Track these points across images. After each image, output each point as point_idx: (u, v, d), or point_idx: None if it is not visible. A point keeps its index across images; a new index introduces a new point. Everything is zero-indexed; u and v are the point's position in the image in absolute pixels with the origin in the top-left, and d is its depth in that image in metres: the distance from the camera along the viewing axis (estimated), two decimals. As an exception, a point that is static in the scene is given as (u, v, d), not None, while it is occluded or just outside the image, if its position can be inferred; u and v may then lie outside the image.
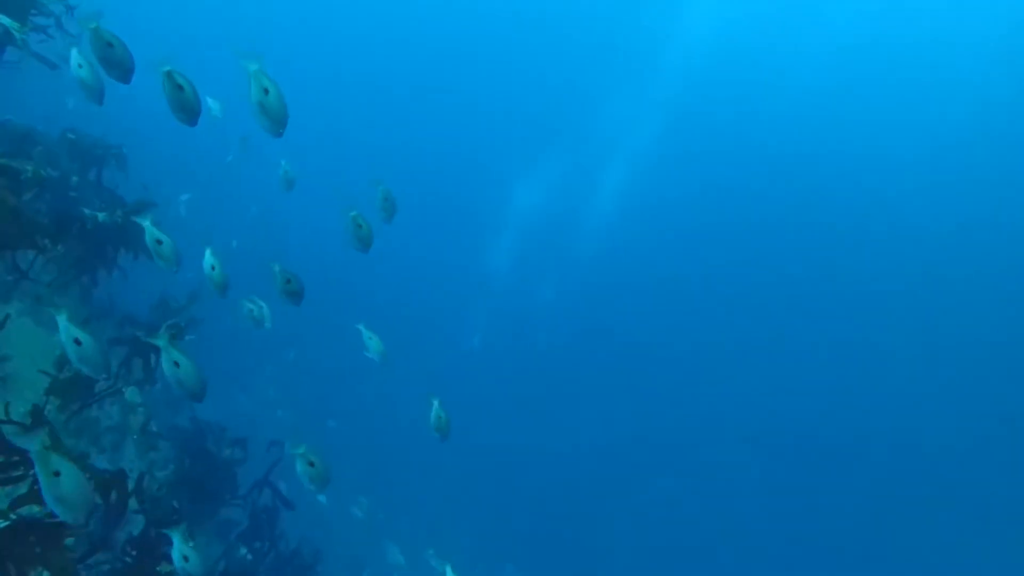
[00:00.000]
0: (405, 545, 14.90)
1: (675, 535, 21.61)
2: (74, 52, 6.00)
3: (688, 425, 26.28)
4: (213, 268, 6.49)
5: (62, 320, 4.74)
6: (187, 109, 5.06)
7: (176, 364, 5.09)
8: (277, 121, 5.15)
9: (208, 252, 6.58)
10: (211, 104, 12.85)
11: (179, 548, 5.19)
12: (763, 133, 35.76)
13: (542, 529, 19.73)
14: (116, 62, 5.10)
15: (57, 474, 3.54)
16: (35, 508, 4.35)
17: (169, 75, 4.96)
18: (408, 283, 26.24)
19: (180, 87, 4.97)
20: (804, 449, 26.01)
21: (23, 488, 4.55)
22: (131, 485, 6.04)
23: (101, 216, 7.43)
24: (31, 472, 4.82)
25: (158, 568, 5.08)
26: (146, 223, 6.01)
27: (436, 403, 6.64)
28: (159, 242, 6.02)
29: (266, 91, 5.06)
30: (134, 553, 5.11)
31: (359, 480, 15.16)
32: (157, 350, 6.88)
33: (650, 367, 28.21)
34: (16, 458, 4.51)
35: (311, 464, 5.93)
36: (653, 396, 26.97)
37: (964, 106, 33.05)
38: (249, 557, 9.19)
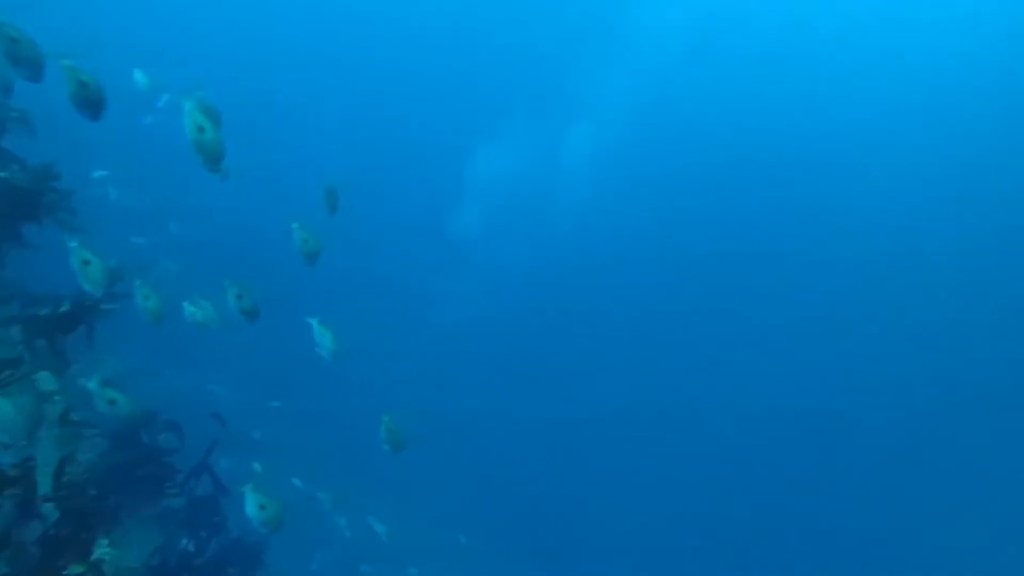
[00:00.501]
0: (354, 519, 14.53)
1: (643, 517, 21.64)
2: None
3: (661, 406, 26.11)
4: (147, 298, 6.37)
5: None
6: (91, 105, 5.11)
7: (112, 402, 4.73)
8: (212, 159, 5.26)
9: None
10: (138, 78, 12.28)
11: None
12: (748, 105, 35.24)
13: (498, 503, 19.61)
14: (23, 59, 4.96)
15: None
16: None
17: (71, 70, 4.81)
18: (373, 259, 25.41)
19: (84, 84, 4.84)
20: (781, 434, 25.82)
21: None
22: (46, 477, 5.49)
23: (2, 174, 6.70)
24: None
25: (66, 571, 4.55)
26: (73, 244, 5.62)
27: (387, 419, 6.30)
28: (86, 263, 5.59)
29: (202, 129, 5.09)
30: (38, 552, 4.58)
31: (311, 458, 14.74)
32: (65, 329, 6.27)
33: (625, 345, 27.86)
34: None
35: (262, 507, 5.75)
36: (627, 375, 26.58)
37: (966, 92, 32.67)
38: (191, 548, 8.67)
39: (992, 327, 29.24)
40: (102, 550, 5.85)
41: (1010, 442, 25.77)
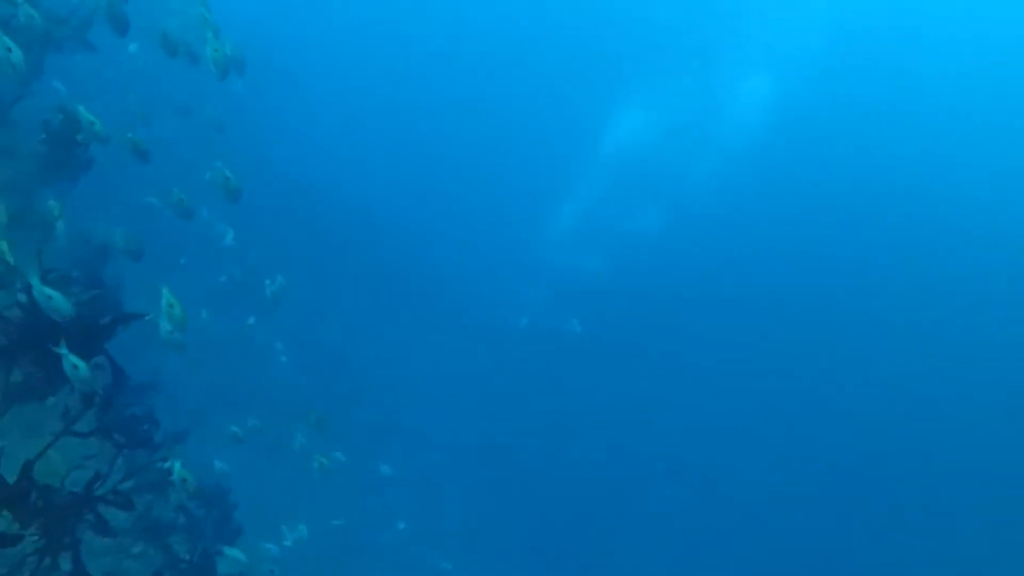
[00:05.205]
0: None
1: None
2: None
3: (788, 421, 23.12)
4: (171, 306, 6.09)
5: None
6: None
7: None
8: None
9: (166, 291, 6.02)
10: None
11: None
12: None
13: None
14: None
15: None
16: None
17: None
18: (451, 257, 23.67)
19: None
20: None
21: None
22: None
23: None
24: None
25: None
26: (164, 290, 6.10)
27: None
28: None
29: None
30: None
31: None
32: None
33: (697, 368, 23.67)
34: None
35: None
36: (684, 402, 22.89)
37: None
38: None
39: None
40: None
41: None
